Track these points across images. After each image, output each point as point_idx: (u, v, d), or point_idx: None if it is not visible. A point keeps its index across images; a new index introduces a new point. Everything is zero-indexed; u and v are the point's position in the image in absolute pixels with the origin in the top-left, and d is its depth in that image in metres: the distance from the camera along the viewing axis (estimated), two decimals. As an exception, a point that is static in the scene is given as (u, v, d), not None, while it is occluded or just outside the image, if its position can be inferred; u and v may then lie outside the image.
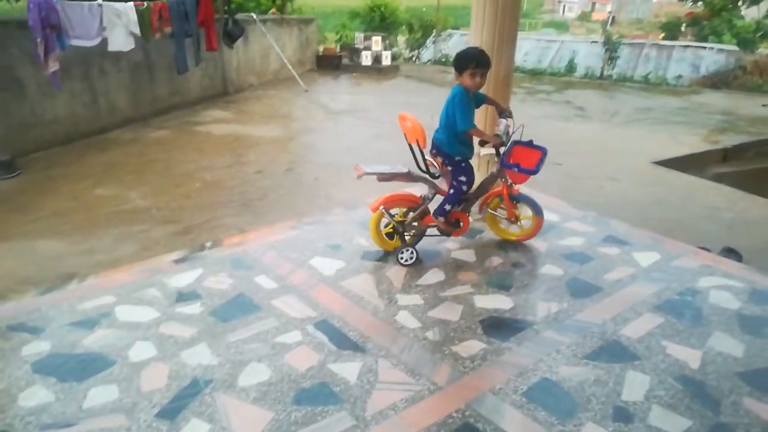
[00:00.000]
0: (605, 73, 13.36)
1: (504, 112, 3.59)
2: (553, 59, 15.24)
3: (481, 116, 4.18)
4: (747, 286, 3.41)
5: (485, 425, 2.33)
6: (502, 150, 3.58)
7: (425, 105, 9.24)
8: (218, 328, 2.92)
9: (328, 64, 12.09)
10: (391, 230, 3.68)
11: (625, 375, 2.63)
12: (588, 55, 14.81)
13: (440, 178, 3.66)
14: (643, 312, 3.13)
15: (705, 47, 15.29)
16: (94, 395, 2.45)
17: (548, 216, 4.30)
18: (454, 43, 16.34)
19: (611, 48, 13.60)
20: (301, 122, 8.01)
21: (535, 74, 13.01)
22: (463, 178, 3.55)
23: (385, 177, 3.63)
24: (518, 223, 3.85)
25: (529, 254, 3.77)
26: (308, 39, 11.90)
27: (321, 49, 12.66)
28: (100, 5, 6.45)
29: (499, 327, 2.99)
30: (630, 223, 4.30)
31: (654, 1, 51.52)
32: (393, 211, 3.68)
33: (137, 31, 6.92)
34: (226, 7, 9.02)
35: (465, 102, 3.36)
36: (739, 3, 18.48)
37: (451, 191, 3.58)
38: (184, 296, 3.21)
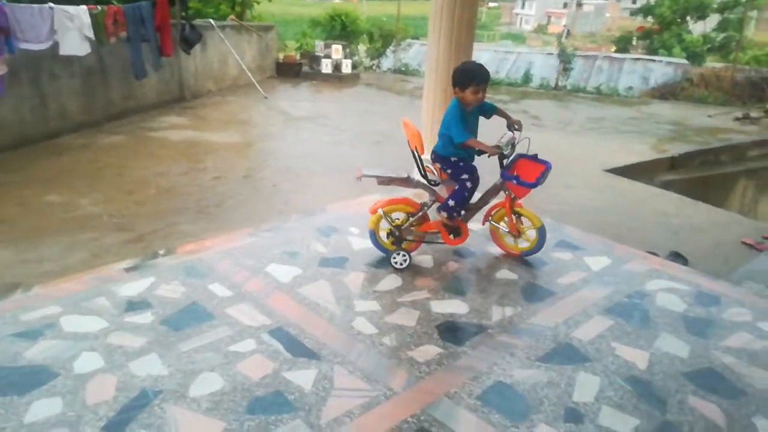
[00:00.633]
0: (560, 83, 13.71)
1: (513, 125, 3.57)
2: (510, 70, 15.57)
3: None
4: (692, 288, 3.54)
5: (440, 429, 2.34)
6: (506, 162, 3.58)
7: (385, 113, 9.31)
8: (170, 338, 2.85)
9: (288, 71, 12.03)
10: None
11: (577, 376, 2.69)
12: (543, 66, 15.19)
13: (440, 186, 3.66)
14: (593, 315, 3.20)
15: (654, 60, 15.87)
16: (36, 409, 2.36)
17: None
18: (414, 52, 16.51)
19: (565, 60, 13.98)
20: (260, 128, 7.95)
21: (493, 84, 13.24)
22: (465, 176, 3.54)
23: (383, 181, 3.67)
24: (521, 237, 3.77)
25: (485, 260, 3.81)
26: (268, 46, 11.83)
27: (281, 56, 12.59)
28: (51, 8, 6.27)
29: (455, 331, 3.01)
30: (583, 228, 4.41)
31: (607, 16, 53.24)
32: (395, 216, 3.70)
33: (91, 35, 6.76)
34: (183, 13, 8.88)
35: (459, 116, 3.40)
36: (687, 18, 19.27)
37: (457, 188, 3.57)
38: (134, 305, 3.13)
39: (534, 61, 15.55)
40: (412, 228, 3.67)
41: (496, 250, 3.94)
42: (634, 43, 22.90)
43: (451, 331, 3.01)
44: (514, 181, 3.52)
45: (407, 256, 3.63)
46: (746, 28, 20.07)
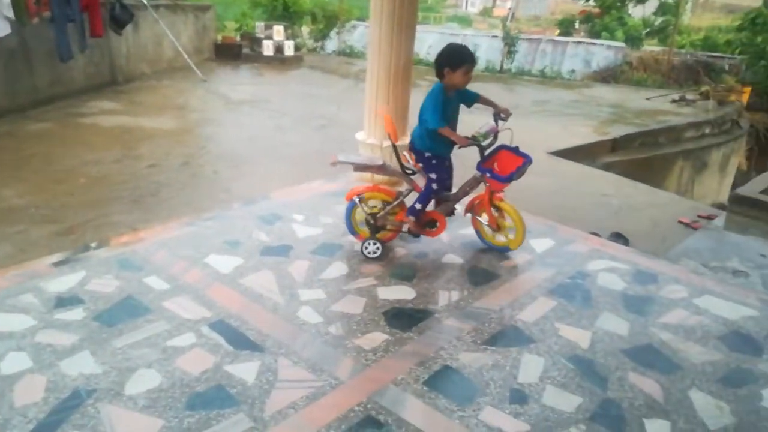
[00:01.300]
0: (505, 66, 13.85)
1: (500, 114, 3.42)
2: (456, 53, 15.61)
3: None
4: (631, 268, 3.63)
5: (387, 417, 2.31)
6: (487, 153, 3.46)
7: (330, 96, 9.15)
8: (103, 334, 2.71)
9: (228, 53, 11.65)
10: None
11: (521, 358, 2.71)
12: (489, 49, 15.31)
13: (417, 175, 3.55)
14: (538, 296, 3.24)
15: (596, 44, 16.26)
16: (-47, 417, 2.19)
17: (450, 205, 4.38)
18: (359, 34, 16.32)
19: (510, 43, 14.12)
20: (198, 113, 7.67)
21: (439, 67, 13.26)
22: (432, 176, 3.44)
23: (359, 167, 3.61)
24: (500, 232, 3.67)
25: (431, 245, 3.79)
26: (205, 27, 11.41)
27: (219, 37, 12.18)
28: (-36, -16, 5.81)
29: (401, 318, 2.98)
30: (527, 211, 4.43)
31: None
32: (371, 203, 3.62)
33: (11, 14, 6.31)
34: (113, -9, 8.42)
35: (439, 100, 3.27)
36: (627, 2, 19.79)
37: (424, 190, 3.48)
38: (64, 301, 2.95)
39: (479, 44, 15.65)
40: (388, 217, 3.58)
41: (443, 236, 3.92)
42: (576, 26, 23.37)
43: (397, 318, 2.98)
44: (488, 174, 3.43)
45: (379, 245, 3.55)
46: (683, 12, 20.82)
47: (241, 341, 2.72)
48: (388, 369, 2.60)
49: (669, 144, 8.62)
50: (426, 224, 3.59)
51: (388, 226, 3.62)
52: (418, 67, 12.01)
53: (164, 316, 2.87)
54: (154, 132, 6.60)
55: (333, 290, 3.20)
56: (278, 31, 11.85)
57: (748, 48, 13.21)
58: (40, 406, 2.26)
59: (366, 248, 3.56)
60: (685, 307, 3.21)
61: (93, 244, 3.57)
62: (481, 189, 3.59)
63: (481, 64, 14.21)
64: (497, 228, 3.62)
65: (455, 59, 3.27)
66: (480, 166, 3.45)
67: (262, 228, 3.88)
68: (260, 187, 4.77)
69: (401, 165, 3.52)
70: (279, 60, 11.68)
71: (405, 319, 2.97)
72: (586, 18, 22.71)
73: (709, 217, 5.15)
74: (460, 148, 3.33)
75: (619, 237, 4.48)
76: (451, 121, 3.44)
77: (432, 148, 3.40)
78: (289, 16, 14.11)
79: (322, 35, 15.18)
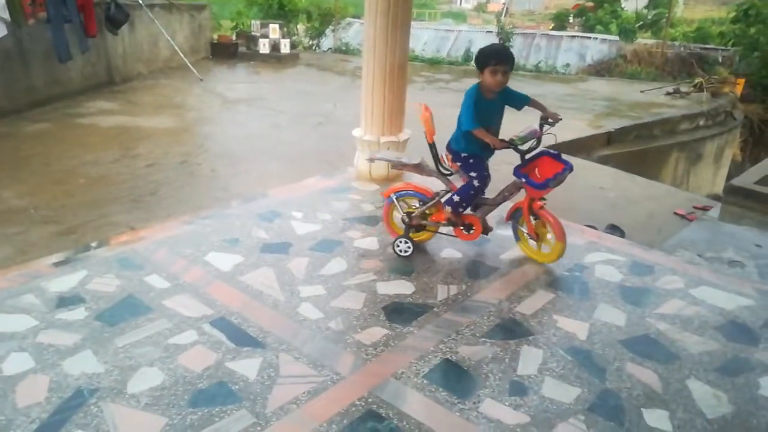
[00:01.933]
0: (500, 61, 13.88)
1: (547, 118, 3.28)
2: (451, 49, 15.62)
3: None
4: (628, 259, 3.66)
5: (388, 410, 2.33)
6: (527, 157, 3.32)
7: (327, 94, 9.16)
8: (105, 334, 2.72)
9: (224, 52, 11.65)
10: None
11: (520, 350, 2.73)
12: (484, 44, 15.32)
13: (454, 176, 3.48)
14: (536, 289, 3.26)
15: (590, 37, 16.27)
16: (-42, 417, 2.21)
17: (447, 201, 4.40)
18: (354, 31, 16.30)
19: (504, 38, 14.13)
20: (195, 112, 7.67)
21: (434, 63, 13.26)
22: (473, 174, 3.34)
23: (395, 165, 3.58)
24: (541, 241, 3.47)
25: (430, 240, 3.81)
26: (201, 26, 11.40)
27: (215, 36, 12.17)
28: (-41, -14, 5.81)
29: (401, 312, 3.00)
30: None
31: (545, -6, 54.00)
32: (409, 202, 3.60)
33: (6, 16, 6.31)
34: (108, -9, 8.41)
35: (472, 101, 3.16)
36: (619, -6, 19.81)
37: (464, 184, 3.40)
38: (65, 301, 2.97)
39: (474, 40, 15.65)
40: (423, 217, 3.55)
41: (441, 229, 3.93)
42: (570, 20, 23.39)
43: (397, 312, 3.00)
44: (523, 180, 3.27)
45: (410, 244, 3.52)
46: (675, 5, 20.82)
47: (242, 338, 2.74)
48: (388, 363, 2.62)
49: (664, 136, 8.65)
50: (465, 226, 3.49)
51: (423, 226, 3.57)
52: (413, 63, 12.03)
53: (165, 314, 2.89)
54: (151, 131, 6.61)
55: (333, 286, 3.22)
56: (274, 29, 11.84)
57: (742, 40, 13.24)
58: (43, 406, 2.28)
59: (397, 246, 3.54)
60: (682, 297, 3.24)
61: (93, 244, 3.58)
62: (522, 196, 3.44)
63: (476, 60, 14.23)
64: (537, 238, 3.45)
65: (480, 59, 3.17)
66: (517, 171, 3.29)
67: (261, 225, 3.90)
68: (258, 185, 4.79)
69: (437, 165, 3.46)
70: (275, 58, 11.68)
71: (404, 313, 3.00)
72: (580, 12, 22.76)
73: (705, 208, 5.18)
74: (495, 149, 3.21)
75: (615, 229, 4.51)
76: (492, 123, 3.30)
77: (468, 149, 3.31)
78: (285, 15, 14.11)
79: (317, 33, 15.17)
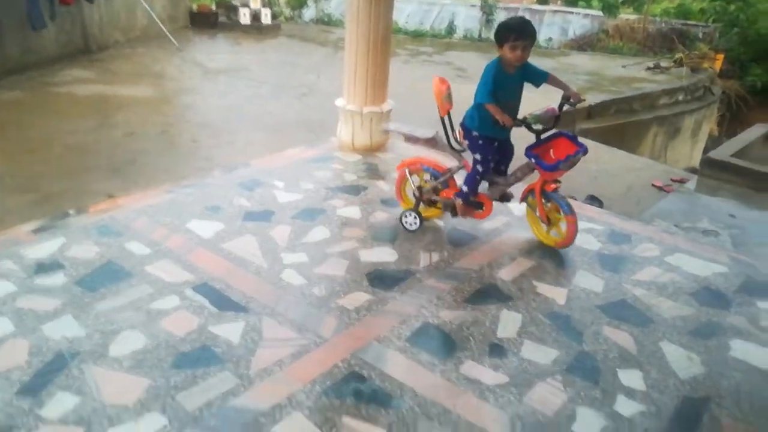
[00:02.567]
0: (483, 35, 13.78)
1: (569, 98, 3.14)
2: (435, 22, 15.47)
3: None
4: (606, 228, 3.71)
5: (370, 371, 2.37)
6: (543, 137, 3.21)
7: (310, 65, 9.04)
8: (85, 299, 2.71)
9: (204, 22, 11.39)
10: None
11: (500, 315, 2.79)
12: (467, 18, 15.18)
13: (467, 153, 3.36)
14: (516, 257, 3.31)
15: (572, 12, 16.21)
16: (-62, 380, 2.20)
17: (430, 171, 4.41)
18: (337, 2, 16.05)
19: (488, 11, 14.04)
20: (175, 82, 7.53)
21: (417, 36, 13.14)
22: (477, 156, 3.23)
23: (409, 138, 3.52)
24: (551, 225, 3.35)
25: (412, 208, 3.83)
26: (180, -6, 11.13)
27: (195, 6, 11.90)
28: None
29: (383, 278, 3.03)
30: (505, 175, 4.51)
31: (528, -32, 53.53)
32: (422, 176, 3.57)
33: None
34: (82, -44, 8.15)
35: (490, 75, 3.03)
36: (602, -29, 19.70)
37: (470, 172, 3.30)
38: (44, 267, 2.94)
39: (458, 13, 15.51)
40: (434, 192, 3.50)
41: (423, 198, 3.95)
42: (553, -5, 23.25)
43: (380, 278, 3.03)
44: (533, 160, 3.18)
45: (418, 218, 3.49)
46: (657, -19, 20.85)
47: (225, 303, 2.75)
48: (371, 327, 2.66)
49: (643, 111, 8.72)
50: (473, 204, 3.39)
51: (435, 202, 3.53)
52: (396, 36, 11.90)
53: (147, 280, 2.88)
54: (130, 101, 6.48)
55: (315, 253, 3.23)
56: (254, -2, 11.60)
57: (722, 16, 13.31)
58: (24, 369, 2.28)
59: (405, 218, 3.51)
60: (658, 264, 3.31)
61: (71, 211, 3.54)
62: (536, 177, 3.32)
63: (459, 33, 14.13)
64: (548, 222, 3.33)
65: (500, 34, 3.05)
66: (528, 151, 3.18)
67: (242, 194, 3.88)
68: (241, 156, 4.75)
69: (449, 140, 3.37)
70: (256, 28, 11.47)
71: (387, 280, 3.02)
72: (565, -14, 22.64)
73: (682, 181, 5.27)
74: (505, 126, 3.05)
75: (594, 200, 4.57)
76: (509, 99, 3.15)
77: (480, 126, 3.17)
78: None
79: (299, 3, 14.91)
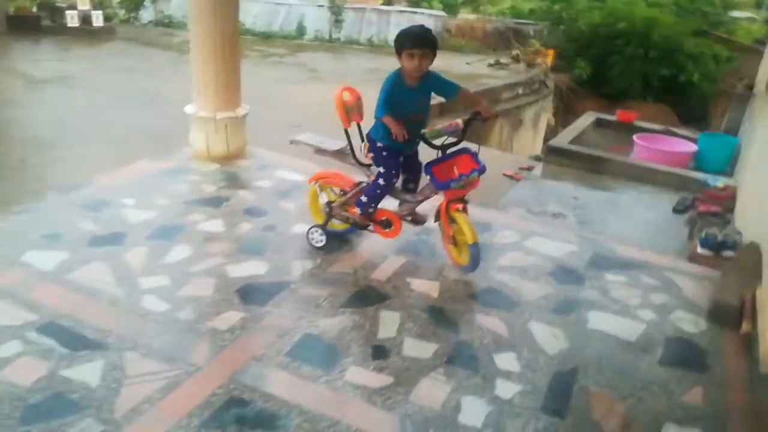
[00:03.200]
0: (333, 36, 13.85)
1: (480, 114, 3.03)
2: (283, 23, 15.25)
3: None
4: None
5: (251, 394, 2.25)
6: (448, 152, 3.05)
7: (152, 70, 8.45)
8: None
9: (24, 26, 10.18)
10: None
11: (379, 315, 2.79)
12: (316, 19, 15.14)
13: (375, 167, 3.18)
14: (388, 255, 3.34)
15: (417, 12, 16.84)
16: None
17: (293, 177, 4.32)
18: (177, 4, 15.24)
19: (336, 12, 14.13)
20: (-7, 95, 6.65)
21: (267, 37, 12.86)
22: (381, 169, 3.08)
23: (317, 150, 3.32)
24: (459, 247, 3.18)
25: (278, 216, 3.71)
26: (-9, -5, 9.86)
27: (11, 8, 10.61)
28: None
29: (256, 293, 2.89)
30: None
31: (370, -30, 54.92)
32: (332, 191, 3.37)
33: None
34: None
35: (389, 87, 2.90)
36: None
37: (372, 183, 3.13)
38: None
39: (306, 13, 15.40)
40: (342, 207, 3.31)
41: (290, 206, 3.85)
42: (397, -4, 24.06)
43: (252, 294, 2.89)
44: (428, 177, 3.03)
45: (324, 235, 3.30)
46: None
47: (77, 342, 2.45)
48: (247, 346, 2.52)
49: (489, 105, 9.30)
50: (381, 223, 3.25)
51: (341, 218, 3.36)
52: (245, 37, 11.54)
53: (-23, 326, 2.48)
54: (-65, 119, 5.60)
55: (178, 274, 3.01)
56: (83, 0, 10.60)
57: (549, 15, 14.62)
58: None
59: (311, 235, 3.33)
60: (517, 249, 3.52)
61: None
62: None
63: (309, 34, 14.06)
64: (453, 242, 3.19)
65: (397, 42, 2.92)
66: (427, 167, 3.03)
67: (87, 216, 3.50)
68: (79, 174, 4.29)
69: (353, 154, 3.22)
70: (87, 32, 10.48)
71: (260, 294, 2.89)
72: (407, -12, 23.55)
73: (529, 168, 5.66)
74: (396, 139, 2.87)
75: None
76: (412, 112, 2.99)
77: (384, 139, 3.03)
78: (94, -16, 12.68)
79: (134, 5, 13.89)
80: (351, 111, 3.17)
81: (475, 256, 3.06)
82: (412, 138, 2.90)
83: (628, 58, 11.97)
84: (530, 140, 10.41)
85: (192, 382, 2.30)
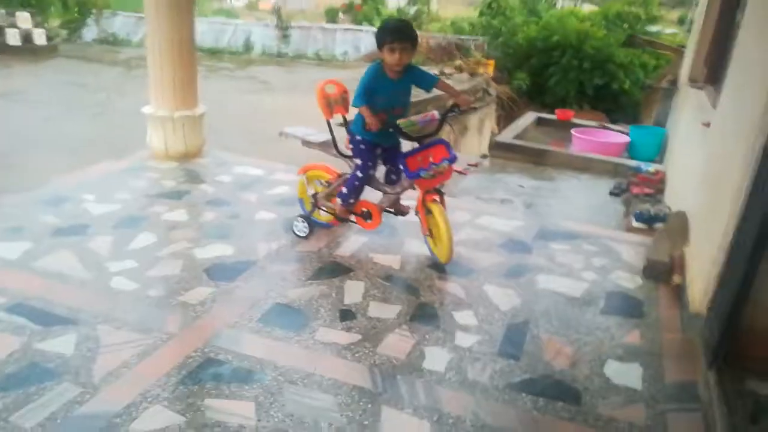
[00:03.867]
0: (281, 50, 14.02)
1: (455, 106, 3.08)
2: (230, 40, 15.32)
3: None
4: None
5: (226, 355, 2.36)
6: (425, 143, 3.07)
7: (100, 84, 8.38)
8: None
9: (-39, 44, 9.93)
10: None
11: (344, 285, 2.94)
12: (263, 36, 15.31)
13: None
14: (350, 236, 3.49)
15: (362, 30, 17.26)
16: None
17: (253, 171, 4.43)
18: (121, 23, 15.11)
19: (283, 28, 14.35)
20: (-66, 110, 6.48)
21: (214, 53, 12.91)
22: (358, 161, 3.14)
23: (304, 142, 3.39)
24: (434, 238, 3.18)
25: (242, 205, 3.81)
26: (-75, 13, 9.57)
27: (-54, 27, 10.31)
28: None
29: (224, 271, 3.00)
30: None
31: (314, -7, 55.48)
32: (319, 182, 3.44)
33: None
34: None
35: (368, 79, 2.93)
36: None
37: (350, 176, 3.19)
38: None
39: (253, 31, 15.56)
40: (327, 198, 3.36)
41: (252, 197, 3.96)
42: (341, 16, 24.51)
43: (220, 271, 2.99)
44: (401, 167, 3.04)
45: (308, 225, 3.37)
46: (431, 3, 23.26)
47: (48, 319, 2.50)
48: (219, 316, 2.62)
49: (437, 112, 9.63)
50: (361, 214, 3.28)
51: (325, 208, 3.42)
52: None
53: (-55, 308, 2.50)
54: None
55: (145, 258, 3.08)
56: (24, 18, 10.42)
57: (488, 29, 15.25)
58: None
59: (295, 225, 3.40)
60: (470, 227, 3.74)
61: None
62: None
63: (257, 50, 14.19)
64: (430, 234, 3.19)
65: (378, 36, 2.95)
66: (402, 158, 3.05)
67: (47, 211, 3.52)
68: (37, 179, 4.27)
69: (335, 146, 3.27)
70: (29, 50, 10.28)
71: (228, 271, 3.00)
72: (349, 8, 24.08)
73: (476, 165, 5.96)
74: (369, 129, 2.91)
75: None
76: (393, 104, 3.04)
77: (361, 131, 3.06)
78: (36, 3, 12.47)
79: (77, 24, 13.70)
80: (335, 103, 3.23)
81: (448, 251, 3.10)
82: (385, 128, 2.95)
83: (564, 68, 12.61)
84: (476, 145, 10.79)
85: (168, 347, 2.38)
